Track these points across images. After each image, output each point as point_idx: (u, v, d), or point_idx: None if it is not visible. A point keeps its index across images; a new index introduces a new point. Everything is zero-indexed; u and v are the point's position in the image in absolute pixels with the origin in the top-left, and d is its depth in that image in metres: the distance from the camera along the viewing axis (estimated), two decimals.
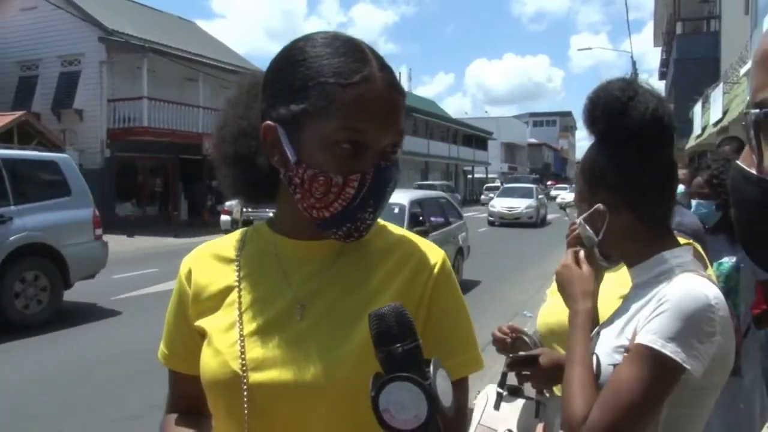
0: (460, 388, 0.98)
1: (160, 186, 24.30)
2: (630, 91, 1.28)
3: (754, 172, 0.68)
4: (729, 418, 2.57)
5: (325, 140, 0.91)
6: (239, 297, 1.01)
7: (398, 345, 0.74)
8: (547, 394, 1.76)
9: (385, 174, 0.94)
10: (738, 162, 0.71)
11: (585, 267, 1.40)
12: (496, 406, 1.78)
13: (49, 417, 4.87)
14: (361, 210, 0.94)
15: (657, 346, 1.14)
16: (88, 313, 8.53)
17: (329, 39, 0.95)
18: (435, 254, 1.03)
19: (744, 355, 2.52)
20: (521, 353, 1.65)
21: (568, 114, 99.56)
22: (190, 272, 1.07)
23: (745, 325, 2.84)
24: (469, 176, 58.32)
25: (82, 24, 21.56)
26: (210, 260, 1.08)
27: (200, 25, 32.45)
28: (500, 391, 1.79)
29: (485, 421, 1.82)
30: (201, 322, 1.03)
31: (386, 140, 0.94)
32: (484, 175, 60.33)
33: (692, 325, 1.15)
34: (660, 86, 38.52)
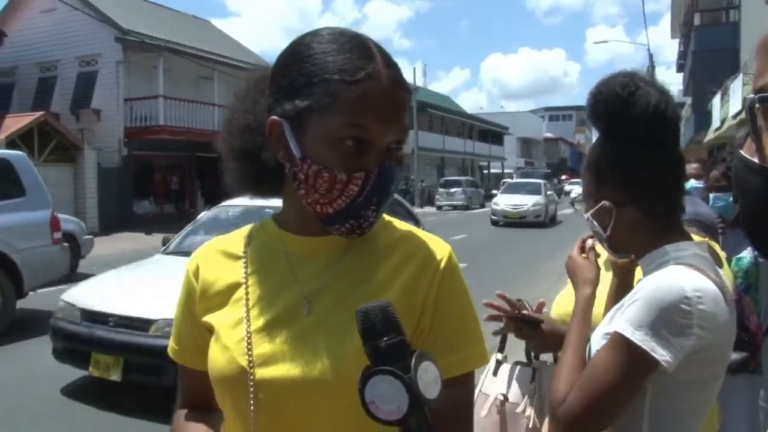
0: (465, 382, 0.99)
1: (176, 184, 24.47)
2: (632, 86, 1.27)
3: (756, 160, 0.68)
4: (751, 415, 2.54)
5: (329, 137, 0.92)
6: (246, 293, 1.02)
7: (382, 339, 0.76)
8: (548, 361, 1.81)
9: (389, 173, 0.94)
10: (741, 151, 0.71)
11: (590, 255, 1.46)
12: (495, 372, 1.83)
13: None
14: (364, 207, 0.94)
15: (627, 334, 1.16)
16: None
17: (335, 35, 0.96)
18: (441, 249, 1.03)
19: (765, 352, 2.48)
20: (525, 312, 1.69)
21: (584, 108, 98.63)
22: (197, 269, 1.08)
23: (767, 322, 2.80)
24: (485, 171, 58.16)
25: (99, 25, 21.75)
26: (217, 256, 1.08)
27: (215, 24, 32.66)
28: (498, 357, 1.85)
29: (485, 388, 1.85)
30: (208, 318, 1.04)
31: (390, 137, 0.94)
32: (500, 171, 60.12)
33: (663, 316, 1.15)
34: (678, 79, 38.12)
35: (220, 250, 1.09)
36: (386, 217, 1.07)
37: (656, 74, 28.78)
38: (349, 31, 0.97)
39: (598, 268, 1.47)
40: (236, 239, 1.10)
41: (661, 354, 1.14)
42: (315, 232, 1.01)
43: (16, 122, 18.80)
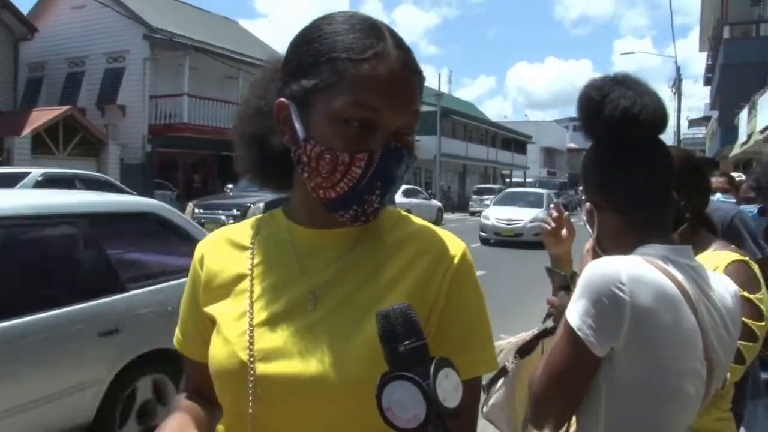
0: (472, 386, 0.95)
1: (199, 182, 24.67)
2: (606, 89, 1.27)
3: None
4: None
5: (334, 116, 0.89)
6: (251, 285, 0.99)
7: (402, 343, 0.74)
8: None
9: (395, 155, 0.90)
10: None
11: (587, 257, 1.45)
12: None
13: None
14: (368, 192, 0.91)
15: (567, 318, 1.19)
16: None
17: (346, 17, 0.93)
18: (455, 246, 0.99)
19: None
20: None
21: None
22: (203, 258, 1.06)
23: None
24: (507, 180, 57.89)
25: (127, 22, 22.02)
26: (224, 246, 1.06)
27: (243, 25, 32.87)
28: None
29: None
30: (211, 309, 1.01)
31: (399, 121, 0.90)
32: (523, 179, 59.79)
33: (592, 297, 1.15)
34: (705, 92, 37.61)
35: (227, 240, 1.06)
36: (401, 211, 1.05)
37: (683, 87, 28.46)
38: (361, 13, 0.95)
39: None
40: (244, 229, 1.07)
41: (586, 334, 1.15)
42: (323, 224, 0.98)
43: (43, 116, 19.10)
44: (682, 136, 36.91)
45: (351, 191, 0.90)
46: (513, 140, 56.49)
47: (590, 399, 1.22)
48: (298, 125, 0.92)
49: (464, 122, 46.19)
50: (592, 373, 1.20)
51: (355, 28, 0.91)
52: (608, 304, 1.14)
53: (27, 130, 18.14)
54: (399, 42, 0.92)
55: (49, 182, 11.25)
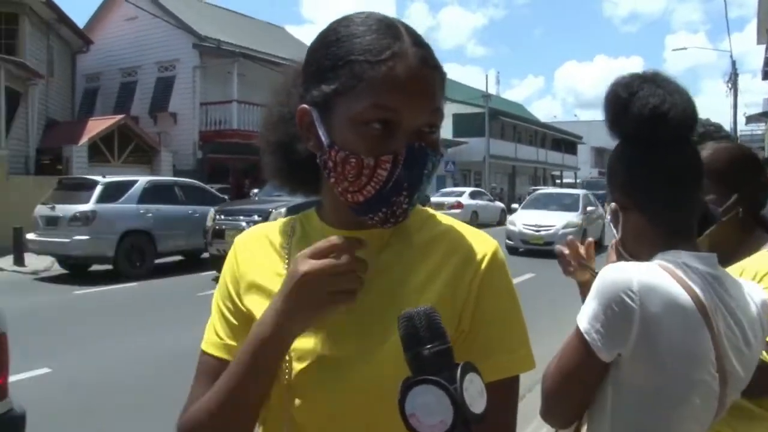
0: (509, 386, 0.95)
1: (249, 187, 24.99)
2: (634, 86, 1.24)
3: None
4: None
5: (355, 120, 0.88)
6: None
7: (425, 347, 0.72)
8: None
9: (420, 154, 0.88)
10: None
11: (611, 256, 1.41)
12: None
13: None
14: (395, 193, 0.89)
15: (578, 321, 1.19)
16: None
17: (362, 18, 0.92)
18: (485, 245, 0.98)
19: None
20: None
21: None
22: (240, 252, 1.06)
23: None
24: (558, 181, 57.02)
25: (177, 31, 22.53)
26: (262, 244, 1.06)
27: (289, 31, 33.23)
28: None
29: None
30: (249, 305, 1.00)
31: (421, 119, 0.89)
32: (573, 180, 58.81)
33: (602, 302, 1.15)
34: (764, 87, 36.22)
35: (266, 238, 1.06)
36: (429, 210, 1.04)
37: (740, 82, 27.44)
38: (378, 13, 0.94)
39: None
40: (280, 229, 1.07)
41: (593, 338, 1.15)
42: (353, 226, 0.96)
43: (99, 125, 19.69)
44: (739, 133, 35.69)
45: (378, 194, 0.89)
46: (563, 141, 55.69)
47: (599, 402, 1.22)
48: (321, 131, 0.92)
49: (513, 123, 45.74)
50: (600, 377, 1.20)
51: (372, 29, 0.90)
52: (617, 311, 1.13)
53: (84, 139, 18.71)
54: (416, 39, 0.91)
55: (153, 188, 12.47)
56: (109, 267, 11.68)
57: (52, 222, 11.61)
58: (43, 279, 11.68)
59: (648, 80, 1.25)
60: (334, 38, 0.92)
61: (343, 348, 0.92)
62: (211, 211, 11.59)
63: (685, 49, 42.81)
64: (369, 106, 0.86)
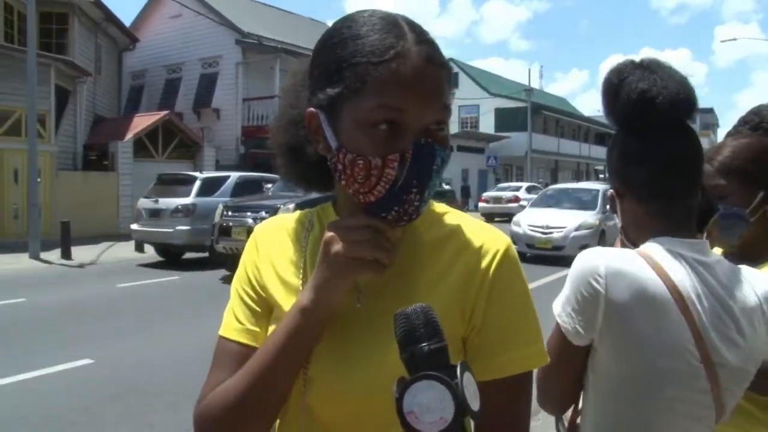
0: (522, 382, 0.95)
1: None
2: (626, 72, 1.24)
3: None
4: None
5: (361, 122, 0.88)
6: (303, 280, 0.99)
7: (424, 344, 0.72)
8: None
9: (427, 151, 0.88)
10: None
11: (617, 246, 1.37)
12: None
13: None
14: (406, 192, 0.88)
15: (553, 307, 1.23)
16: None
17: (366, 17, 0.92)
18: (497, 241, 0.97)
19: None
20: None
21: (710, 111, 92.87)
22: (260, 241, 1.07)
23: None
24: (601, 176, 56.03)
25: (220, 28, 22.84)
26: (280, 234, 1.07)
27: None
28: None
29: None
30: (273, 292, 1.01)
31: (428, 118, 0.88)
32: None
33: (572, 287, 1.18)
34: None
35: (284, 229, 1.07)
36: (441, 207, 1.04)
37: None
38: (381, 11, 0.94)
39: None
40: (298, 221, 1.08)
41: (564, 321, 1.18)
42: None
43: (144, 121, 20.08)
44: None
45: (389, 193, 0.89)
46: (606, 135, 54.60)
47: (585, 388, 1.26)
48: (329, 134, 0.92)
49: (556, 117, 45.13)
50: (581, 362, 1.22)
51: (375, 29, 0.89)
52: (586, 295, 1.15)
53: (129, 135, 19.11)
54: (420, 36, 0.90)
55: (243, 183, 13.76)
56: (204, 254, 12.52)
57: (155, 214, 13.08)
58: (89, 272, 11.97)
59: (641, 66, 1.25)
60: (338, 40, 0.91)
61: (355, 345, 0.93)
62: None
63: (734, 40, 41.45)
64: (375, 107, 0.86)
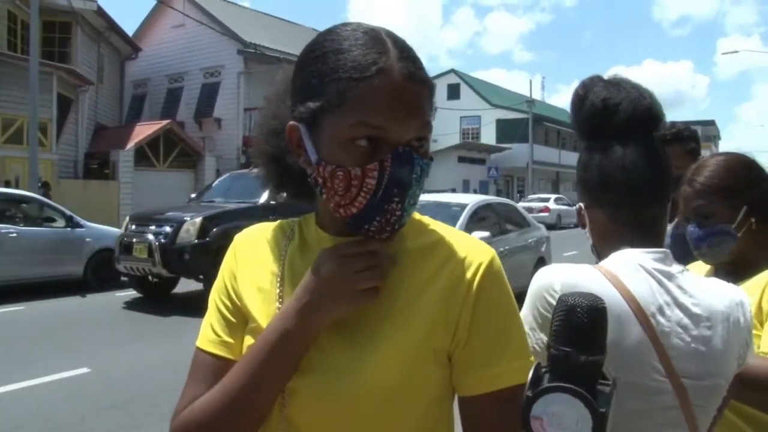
0: (510, 397, 0.91)
1: None
2: (591, 85, 1.26)
3: None
4: None
5: (341, 137, 0.87)
6: (281, 291, 0.98)
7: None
8: None
9: (405, 158, 0.87)
10: None
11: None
12: None
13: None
14: (387, 201, 0.88)
15: None
16: None
17: (349, 31, 0.91)
18: (482, 253, 0.96)
19: None
20: None
21: (711, 123, 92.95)
22: (239, 250, 1.06)
23: None
24: None
25: (223, 38, 22.94)
26: (259, 244, 1.05)
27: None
28: None
29: None
30: (247, 303, 0.99)
31: (408, 135, 0.88)
32: None
33: (529, 305, 1.16)
34: None
35: (264, 238, 1.06)
36: (425, 219, 1.03)
37: None
38: (366, 25, 0.93)
39: None
40: (279, 231, 1.07)
41: (533, 346, 1.12)
42: (349, 232, 0.95)
43: (145, 130, 20.13)
44: None
45: (370, 204, 0.88)
46: None
47: None
48: (309, 148, 0.91)
49: (557, 129, 45.22)
50: None
51: (358, 44, 0.89)
52: (543, 312, 1.12)
53: (131, 144, 19.15)
54: (403, 53, 0.90)
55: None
56: None
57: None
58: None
59: (607, 81, 1.26)
60: (320, 53, 0.91)
61: (336, 354, 0.91)
62: (127, 218, 10.03)
63: (736, 52, 41.45)
64: (355, 123, 0.86)
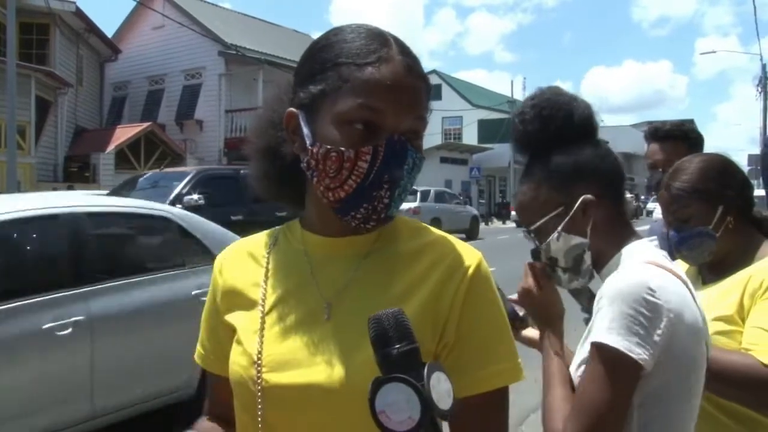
0: (498, 399, 0.94)
1: None
2: (532, 101, 1.34)
3: None
4: None
5: (338, 119, 0.90)
6: (264, 296, 1.00)
7: (395, 347, 0.75)
8: None
9: (400, 147, 0.90)
10: None
11: (545, 285, 1.34)
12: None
13: None
14: (376, 187, 0.90)
15: (600, 340, 1.11)
16: None
17: (354, 27, 0.96)
18: (470, 256, 0.98)
19: None
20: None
21: (690, 122, 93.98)
22: (222, 269, 1.08)
23: None
24: None
25: (203, 39, 22.81)
26: (242, 257, 1.07)
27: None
28: None
29: None
30: (230, 318, 1.02)
31: (403, 124, 0.91)
32: None
33: (629, 311, 1.09)
34: None
35: (245, 251, 1.08)
36: (417, 222, 1.05)
37: None
38: (369, 24, 0.97)
39: (558, 297, 1.35)
40: (261, 240, 1.08)
41: (638, 353, 1.08)
42: (337, 232, 0.98)
43: (126, 132, 19.99)
44: None
45: (359, 188, 0.90)
46: None
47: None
48: (306, 132, 0.94)
49: None
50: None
51: (361, 36, 0.93)
52: (648, 315, 1.09)
53: (111, 147, 19.01)
54: (404, 49, 0.94)
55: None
56: None
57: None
58: None
59: (538, 95, 1.36)
60: (324, 44, 0.95)
61: (318, 356, 0.92)
62: None
63: (714, 52, 42.19)
64: (354, 106, 0.88)
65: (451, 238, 1.02)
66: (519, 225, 1.43)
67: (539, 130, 1.29)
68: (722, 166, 1.67)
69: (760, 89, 31.93)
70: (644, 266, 1.16)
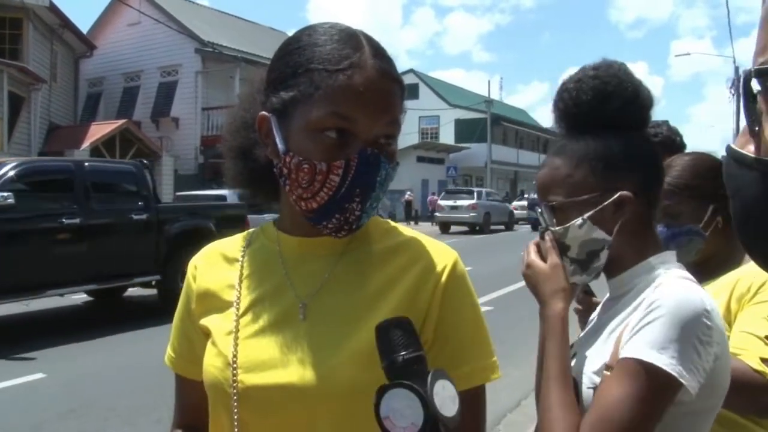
0: (476, 396, 0.95)
1: None
2: (595, 71, 1.19)
3: (749, 153, 0.58)
4: None
5: (310, 127, 0.89)
6: (239, 298, 0.99)
7: (400, 354, 0.76)
8: None
9: (372, 161, 0.89)
10: (731, 144, 0.61)
11: (550, 259, 1.19)
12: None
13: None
14: (348, 200, 0.90)
15: (650, 359, 0.98)
16: None
17: (326, 28, 0.94)
18: (446, 256, 0.99)
19: None
20: None
21: (665, 123, 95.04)
22: (196, 272, 1.07)
23: None
24: None
25: (180, 36, 22.64)
26: (215, 259, 1.07)
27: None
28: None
29: None
30: (205, 322, 1.02)
31: (377, 130, 0.90)
32: None
33: (688, 334, 0.99)
34: None
35: (219, 253, 1.07)
36: (390, 222, 1.05)
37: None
38: (342, 24, 0.95)
39: (566, 274, 1.19)
40: (235, 242, 1.08)
41: (688, 379, 0.98)
42: (310, 233, 0.98)
43: (101, 129, 19.75)
44: None
45: (331, 200, 0.90)
46: None
47: None
48: (278, 138, 0.93)
49: (515, 129, 45.77)
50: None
51: (334, 39, 0.91)
52: (704, 338, 1.00)
53: (86, 144, 18.76)
54: (377, 51, 0.92)
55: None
56: None
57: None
58: None
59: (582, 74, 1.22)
60: (296, 46, 0.93)
61: (293, 356, 0.92)
62: None
63: (688, 54, 42.77)
64: (325, 114, 0.87)
65: (424, 237, 1.03)
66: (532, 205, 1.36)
67: (596, 106, 1.16)
68: (715, 164, 1.62)
69: (733, 91, 32.45)
70: (693, 285, 1.08)
